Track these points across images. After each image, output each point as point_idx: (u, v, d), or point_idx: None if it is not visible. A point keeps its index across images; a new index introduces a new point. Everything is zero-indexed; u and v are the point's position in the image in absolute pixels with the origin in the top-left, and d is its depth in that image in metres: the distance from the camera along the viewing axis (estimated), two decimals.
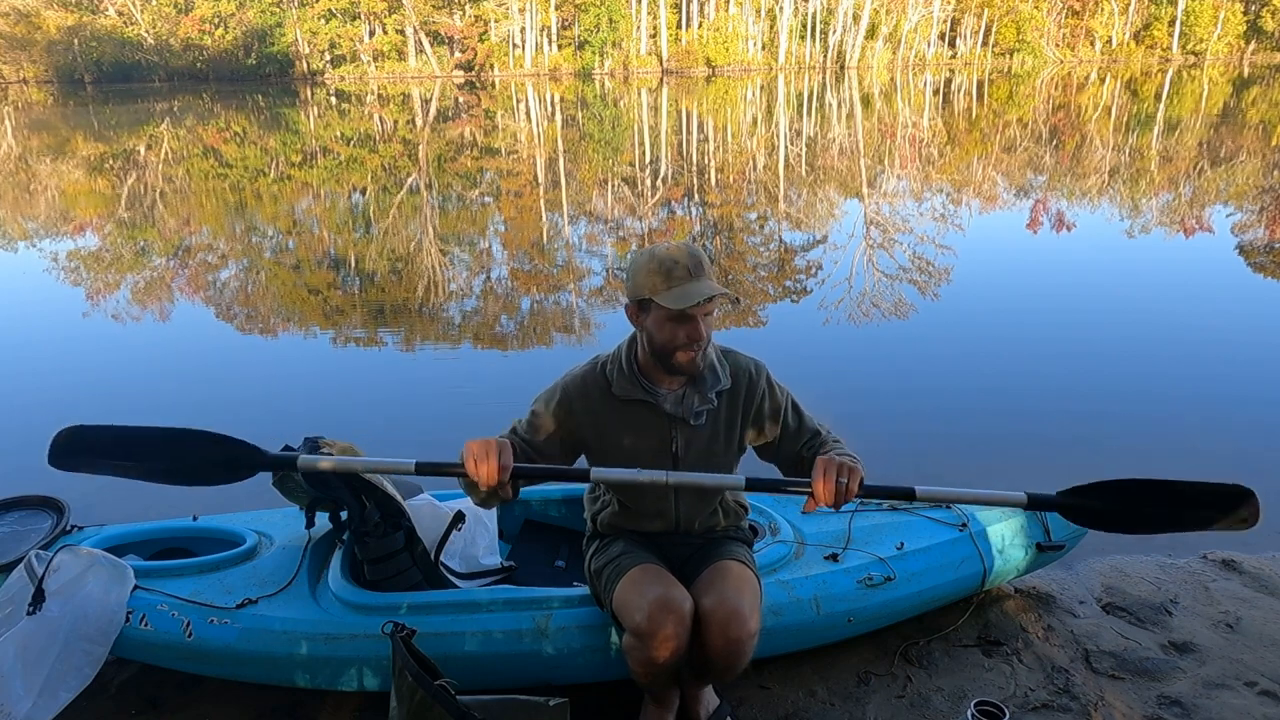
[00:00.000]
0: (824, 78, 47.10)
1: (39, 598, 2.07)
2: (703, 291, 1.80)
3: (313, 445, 2.15)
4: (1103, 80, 38.49)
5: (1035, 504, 1.86)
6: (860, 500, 2.66)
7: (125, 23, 52.37)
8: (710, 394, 1.98)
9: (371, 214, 10.80)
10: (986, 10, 55.71)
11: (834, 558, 2.40)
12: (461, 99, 35.61)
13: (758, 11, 56.32)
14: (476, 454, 1.75)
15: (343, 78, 54.10)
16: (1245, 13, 53.12)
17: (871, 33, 56.31)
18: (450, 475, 1.81)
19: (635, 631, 1.85)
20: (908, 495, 1.80)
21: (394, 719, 1.80)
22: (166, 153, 18.05)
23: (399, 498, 2.31)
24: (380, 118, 27.11)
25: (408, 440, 4.02)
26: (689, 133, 20.57)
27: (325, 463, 1.92)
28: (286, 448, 2.22)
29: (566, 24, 55.53)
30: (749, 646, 1.86)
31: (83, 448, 1.95)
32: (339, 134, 22.18)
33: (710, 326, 1.90)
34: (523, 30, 54.54)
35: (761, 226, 9.61)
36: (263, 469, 1.97)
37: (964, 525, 2.54)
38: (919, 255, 7.85)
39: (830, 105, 28.93)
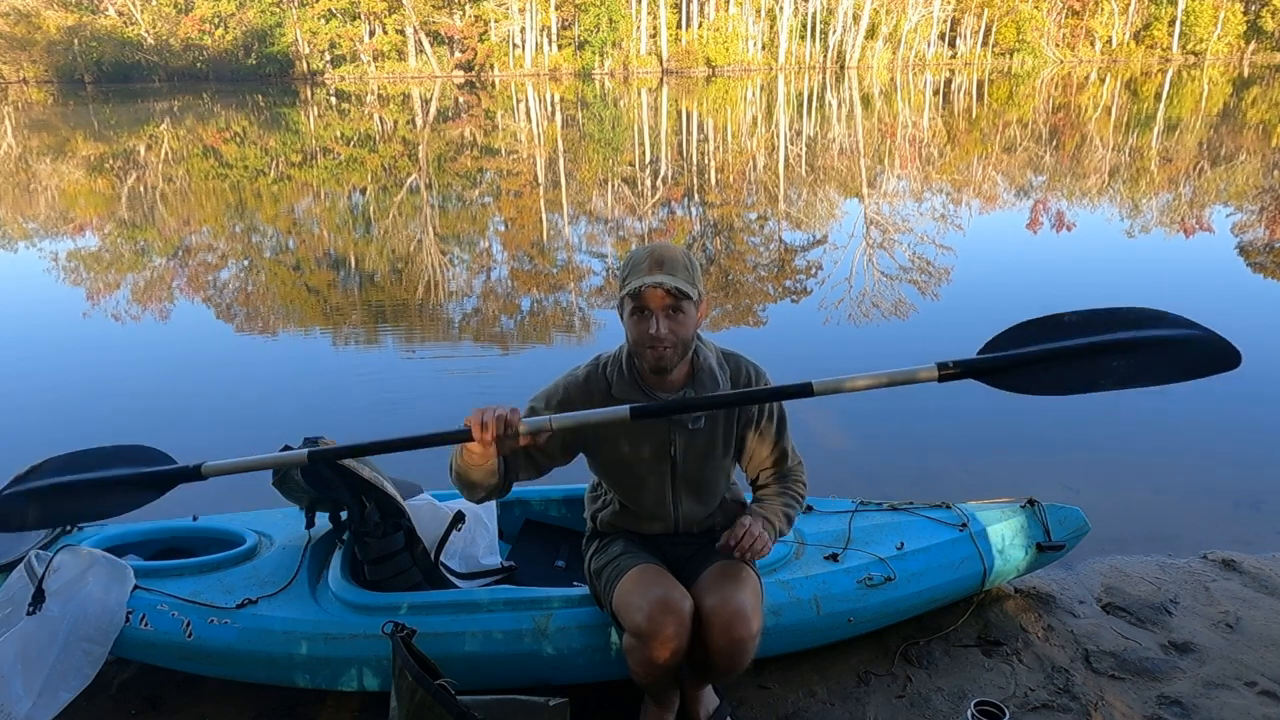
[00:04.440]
0: (824, 78, 47.10)
1: (39, 598, 2.07)
2: (650, 279, 1.78)
3: (313, 445, 2.15)
4: (1103, 80, 38.49)
5: (948, 374, 1.68)
6: (859, 501, 2.68)
7: (125, 23, 52.43)
8: None
9: (371, 214, 10.80)
10: (986, 10, 55.75)
11: (834, 558, 2.40)
12: (461, 99, 35.61)
13: (758, 11, 56.35)
14: (483, 411, 1.74)
15: (343, 78, 54.12)
16: (1245, 13, 53.19)
17: (871, 33, 56.35)
18: (450, 443, 1.80)
19: (635, 632, 1.85)
20: (806, 391, 1.72)
21: (394, 719, 1.80)
22: (166, 153, 18.05)
23: (399, 498, 2.31)
24: (380, 118, 27.11)
25: None
26: (689, 133, 20.57)
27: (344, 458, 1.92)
28: (285, 448, 2.22)
29: (566, 24, 55.57)
30: (751, 646, 1.86)
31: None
32: (339, 134, 22.18)
33: (681, 327, 1.84)
34: (523, 30, 54.59)
35: (761, 226, 9.60)
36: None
37: (964, 525, 2.54)
38: (919, 255, 7.85)
39: (830, 105, 28.93)
